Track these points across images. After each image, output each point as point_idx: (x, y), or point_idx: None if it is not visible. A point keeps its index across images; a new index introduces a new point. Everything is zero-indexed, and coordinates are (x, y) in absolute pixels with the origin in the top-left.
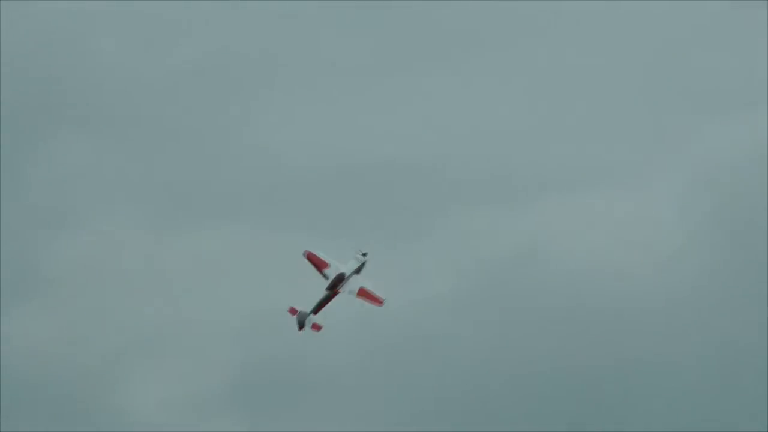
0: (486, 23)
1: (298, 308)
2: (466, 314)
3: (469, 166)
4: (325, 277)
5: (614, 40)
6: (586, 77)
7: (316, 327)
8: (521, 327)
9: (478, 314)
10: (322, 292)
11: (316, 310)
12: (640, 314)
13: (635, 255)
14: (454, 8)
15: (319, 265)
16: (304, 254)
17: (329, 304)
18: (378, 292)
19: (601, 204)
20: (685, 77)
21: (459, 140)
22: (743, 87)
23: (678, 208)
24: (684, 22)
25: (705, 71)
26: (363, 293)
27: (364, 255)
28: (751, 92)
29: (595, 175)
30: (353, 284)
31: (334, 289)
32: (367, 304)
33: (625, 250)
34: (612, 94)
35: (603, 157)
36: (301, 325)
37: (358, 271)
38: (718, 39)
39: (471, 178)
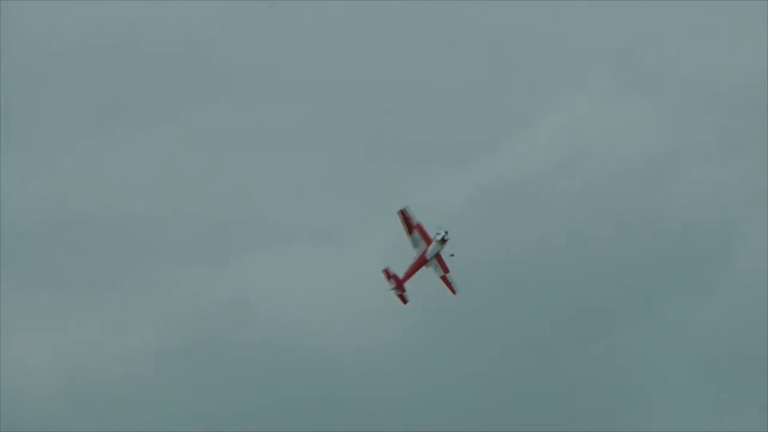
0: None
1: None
2: (173, 366)
3: (181, 223)
4: (414, 244)
5: (318, 98)
6: (290, 136)
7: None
8: (235, 375)
9: (186, 366)
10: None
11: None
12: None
13: (343, 306)
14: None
15: (409, 224)
16: (401, 211)
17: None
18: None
19: (312, 259)
20: (389, 133)
21: (168, 196)
22: (444, 145)
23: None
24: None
25: (407, 125)
26: (445, 279)
27: (446, 233)
28: (451, 153)
29: (306, 231)
30: (435, 259)
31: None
32: (444, 288)
33: (333, 303)
34: (318, 151)
35: (314, 213)
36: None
37: (442, 242)
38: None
39: (184, 234)
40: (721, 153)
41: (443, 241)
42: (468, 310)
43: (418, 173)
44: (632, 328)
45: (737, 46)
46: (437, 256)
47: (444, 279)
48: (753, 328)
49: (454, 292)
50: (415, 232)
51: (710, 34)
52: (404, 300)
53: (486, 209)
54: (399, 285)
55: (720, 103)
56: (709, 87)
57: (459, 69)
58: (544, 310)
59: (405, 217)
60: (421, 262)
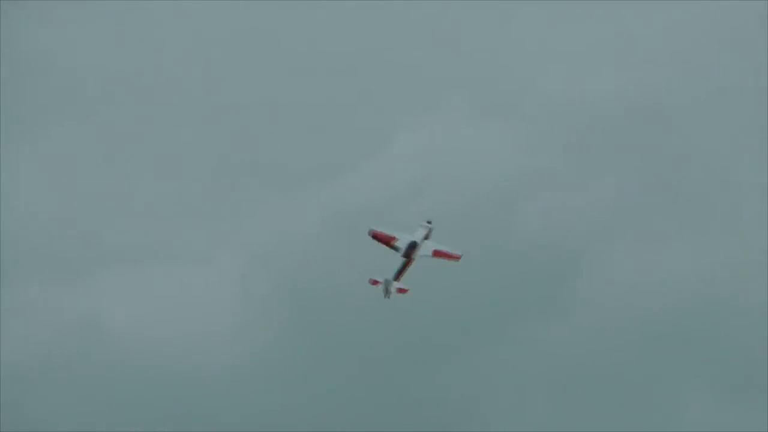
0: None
1: (379, 278)
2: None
3: (29, 242)
4: (396, 249)
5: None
6: (140, 157)
7: (402, 290)
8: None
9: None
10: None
11: (397, 276)
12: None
13: (197, 325)
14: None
15: (386, 240)
16: (369, 233)
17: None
18: (452, 250)
19: (165, 278)
20: (240, 155)
21: (16, 215)
22: (295, 167)
23: (240, 282)
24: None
25: (259, 147)
26: (438, 253)
27: (429, 223)
28: (303, 175)
29: (161, 251)
30: (425, 249)
31: (408, 256)
32: (446, 262)
33: (186, 322)
34: (168, 173)
35: (173, 232)
36: (386, 292)
37: (426, 237)
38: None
39: (32, 253)
40: (573, 178)
41: (426, 236)
42: (316, 329)
43: (270, 195)
44: (481, 350)
45: (591, 71)
46: (435, 251)
47: (439, 254)
48: (601, 351)
49: (457, 258)
50: (397, 242)
51: (564, 59)
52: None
53: (339, 232)
54: (400, 290)
55: (574, 127)
56: (562, 111)
57: (312, 91)
58: (393, 332)
59: (379, 236)
60: (409, 262)
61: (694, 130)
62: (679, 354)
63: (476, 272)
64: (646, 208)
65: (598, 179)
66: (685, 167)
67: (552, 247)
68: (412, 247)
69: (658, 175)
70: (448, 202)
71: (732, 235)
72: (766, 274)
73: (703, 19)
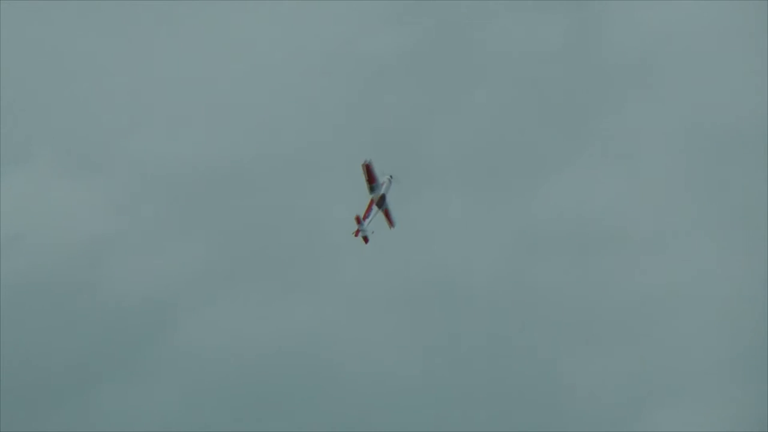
0: None
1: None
2: None
3: None
4: (371, 190)
5: None
6: None
7: (366, 240)
8: None
9: None
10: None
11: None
12: None
13: None
14: None
15: (370, 178)
16: (366, 162)
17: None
18: (394, 218)
19: None
20: None
21: None
22: None
23: None
24: None
25: None
26: (386, 212)
27: (392, 177)
28: None
29: None
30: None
31: (378, 201)
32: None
33: None
34: None
35: None
36: (359, 231)
37: (387, 189)
38: None
39: None
40: (161, 239)
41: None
42: None
43: None
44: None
45: (180, 132)
46: (386, 211)
47: (385, 213)
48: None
49: (392, 224)
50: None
51: (149, 122)
52: (366, 240)
53: None
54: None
55: (162, 188)
56: (150, 173)
57: None
58: None
59: (369, 170)
60: (372, 204)
61: (285, 193)
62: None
63: (60, 333)
64: (234, 269)
65: (187, 241)
66: (274, 230)
67: (137, 310)
68: (383, 197)
69: (247, 237)
70: (35, 261)
71: (312, 299)
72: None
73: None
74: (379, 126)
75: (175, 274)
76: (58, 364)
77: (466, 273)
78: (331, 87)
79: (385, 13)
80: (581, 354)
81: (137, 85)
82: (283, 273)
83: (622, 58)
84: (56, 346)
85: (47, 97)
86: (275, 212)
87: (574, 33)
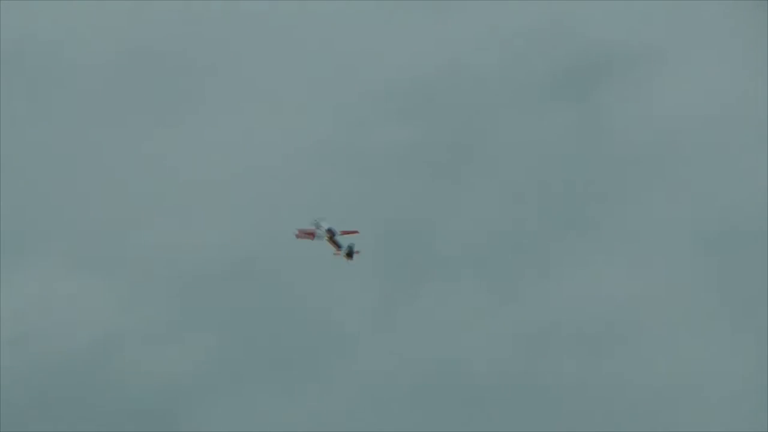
0: None
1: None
2: None
3: None
4: (321, 237)
5: None
6: None
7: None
8: None
9: None
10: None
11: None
12: None
13: None
14: None
15: (310, 235)
16: (296, 235)
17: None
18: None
19: None
20: None
21: None
22: None
23: None
24: None
25: None
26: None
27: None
28: None
29: None
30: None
31: (332, 236)
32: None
33: None
34: None
35: None
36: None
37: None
38: None
39: None
40: (170, 327)
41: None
42: None
43: None
44: None
45: (186, 223)
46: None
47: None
48: None
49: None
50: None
51: (154, 216)
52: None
53: None
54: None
55: (171, 283)
56: (161, 267)
57: None
58: None
59: (302, 236)
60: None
61: (295, 286)
62: None
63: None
64: (247, 364)
65: (199, 334)
66: (290, 321)
67: (147, 408)
68: (331, 231)
69: (260, 331)
70: (43, 358)
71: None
72: None
73: None
74: (387, 217)
75: (184, 370)
76: None
77: (473, 366)
78: (337, 179)
79: (390, 105)
80: None
81: (141, 179)
82: (294, 366)
83: (631, 149)
84: None
85: (48, 192)
86: (285, 306)
87: (582, 124)
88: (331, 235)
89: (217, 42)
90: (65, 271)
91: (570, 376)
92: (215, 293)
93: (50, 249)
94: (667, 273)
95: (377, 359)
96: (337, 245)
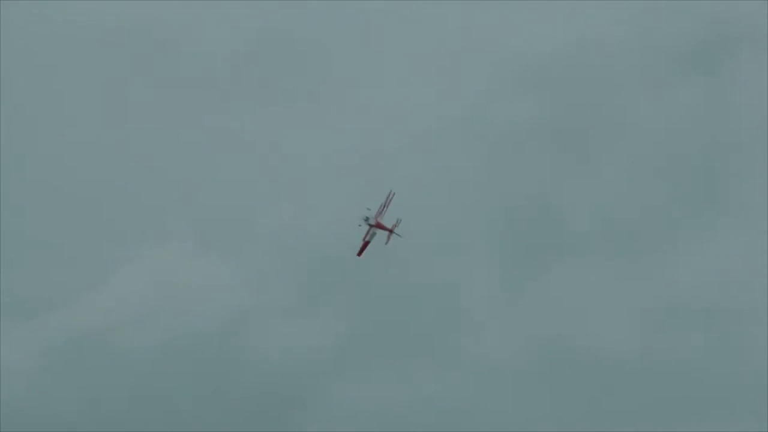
0: None
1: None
2: None
3: None
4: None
5: None
6: None
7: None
8: None
9: None
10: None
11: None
12: None
13: None
14: None
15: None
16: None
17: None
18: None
19: None
20: None
21: None
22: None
23: None
24: None
25: None
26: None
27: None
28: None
29: None
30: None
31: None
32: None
33: None
34: None
35: None
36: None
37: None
38: None
39: None
40: (299, 307)
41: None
42: None
43: None
44: None
45: (313, 207)
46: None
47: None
48: None
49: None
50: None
51: (287, 195)
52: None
53: (64, 362)
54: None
55: (297, 260)
56: (286, 245)
57: (42, 220)
58: None
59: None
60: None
61: (421, 266)
62: None
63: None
64: (369, 342)
65: (324, 313)
66: (410, 302)
67: (280, 380)
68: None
69: (382, 311)
70: (175, 335)
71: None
72: None
73: None
74: (515, 193)
75: (312, 347)
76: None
77: (601, 342)
78: (464, 154)
79: (518, 80)
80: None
81: (270, 164)
82: (419, 346)
83: (762, 124)
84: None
85: (185, 180)
86: (410, 285)
87: (707, 101)
88: (377, 226)
89: (346, 25)
90: (197, 253)
91: (699, 350)
92: (343, 273)
93: (183, 233)
94: None
95: (505, 335)
96: (386, 229)
